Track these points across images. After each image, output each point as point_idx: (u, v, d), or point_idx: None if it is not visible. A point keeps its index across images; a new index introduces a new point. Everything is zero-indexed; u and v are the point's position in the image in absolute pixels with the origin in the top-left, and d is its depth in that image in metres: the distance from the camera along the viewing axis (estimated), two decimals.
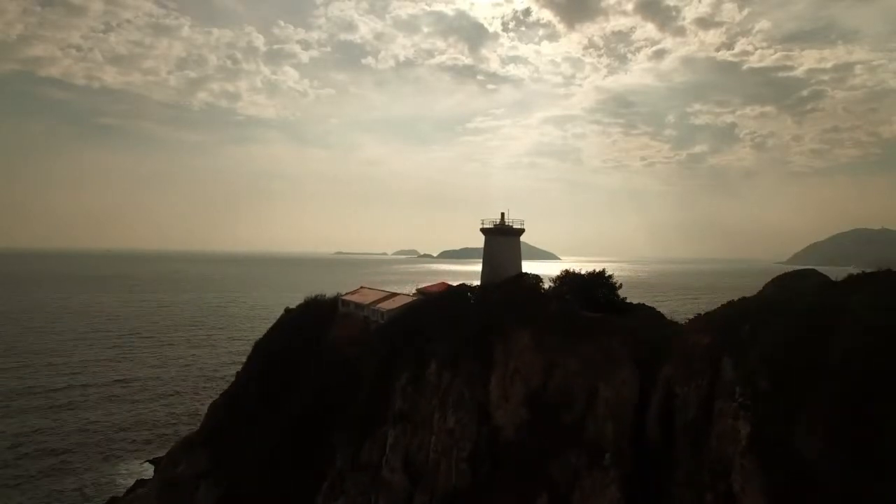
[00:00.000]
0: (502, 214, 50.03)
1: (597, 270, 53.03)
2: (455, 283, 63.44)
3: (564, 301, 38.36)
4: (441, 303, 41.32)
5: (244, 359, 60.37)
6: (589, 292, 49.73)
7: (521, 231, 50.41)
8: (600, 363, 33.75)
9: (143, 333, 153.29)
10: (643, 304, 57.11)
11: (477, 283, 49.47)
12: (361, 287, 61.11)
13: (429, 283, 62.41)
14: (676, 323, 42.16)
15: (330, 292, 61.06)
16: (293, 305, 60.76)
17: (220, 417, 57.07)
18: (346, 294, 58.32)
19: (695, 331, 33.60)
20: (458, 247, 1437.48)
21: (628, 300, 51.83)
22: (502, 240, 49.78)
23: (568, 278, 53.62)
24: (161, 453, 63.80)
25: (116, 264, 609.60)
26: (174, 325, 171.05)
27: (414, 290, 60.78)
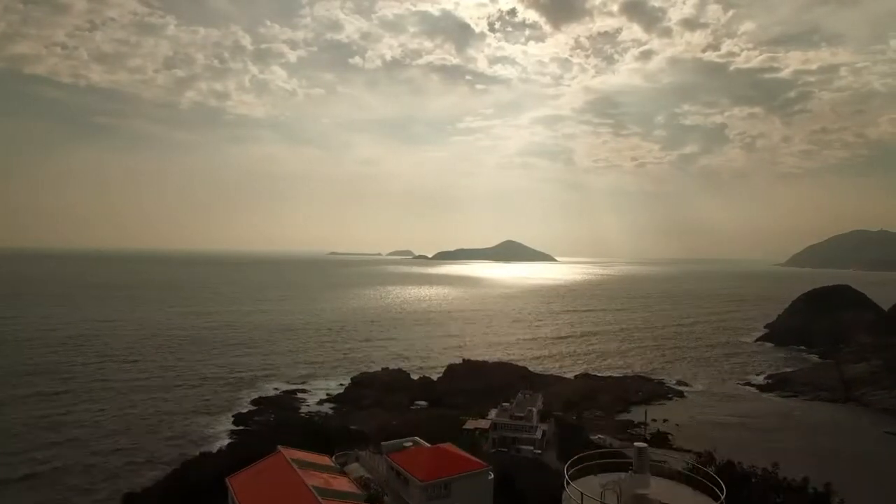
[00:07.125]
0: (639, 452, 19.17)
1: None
2: (442, 444, 38.52)
3: None
4: None
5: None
6: None
7: None
8: None
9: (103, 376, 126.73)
10: None
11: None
12: (279, 451, 36.64)
13: (405, 450, 37.84)
14: None
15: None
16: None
17: None
18: (245, 471, 33.62)
19: None
20: (452, 248, 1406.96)
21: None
22: None
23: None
24: None
25: (104, 267, 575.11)
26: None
27: (384, 449, 36.61)
